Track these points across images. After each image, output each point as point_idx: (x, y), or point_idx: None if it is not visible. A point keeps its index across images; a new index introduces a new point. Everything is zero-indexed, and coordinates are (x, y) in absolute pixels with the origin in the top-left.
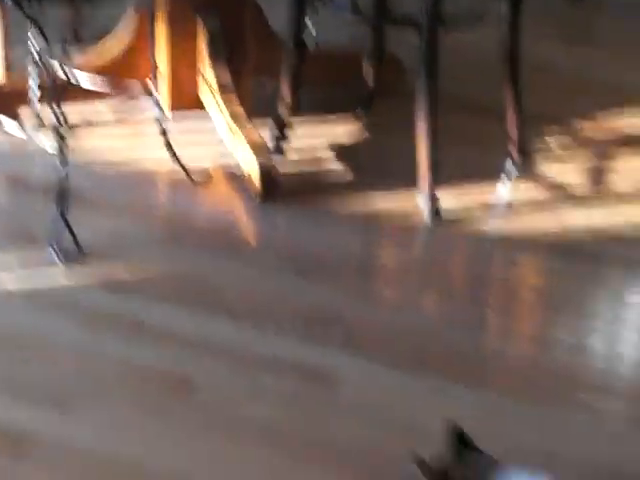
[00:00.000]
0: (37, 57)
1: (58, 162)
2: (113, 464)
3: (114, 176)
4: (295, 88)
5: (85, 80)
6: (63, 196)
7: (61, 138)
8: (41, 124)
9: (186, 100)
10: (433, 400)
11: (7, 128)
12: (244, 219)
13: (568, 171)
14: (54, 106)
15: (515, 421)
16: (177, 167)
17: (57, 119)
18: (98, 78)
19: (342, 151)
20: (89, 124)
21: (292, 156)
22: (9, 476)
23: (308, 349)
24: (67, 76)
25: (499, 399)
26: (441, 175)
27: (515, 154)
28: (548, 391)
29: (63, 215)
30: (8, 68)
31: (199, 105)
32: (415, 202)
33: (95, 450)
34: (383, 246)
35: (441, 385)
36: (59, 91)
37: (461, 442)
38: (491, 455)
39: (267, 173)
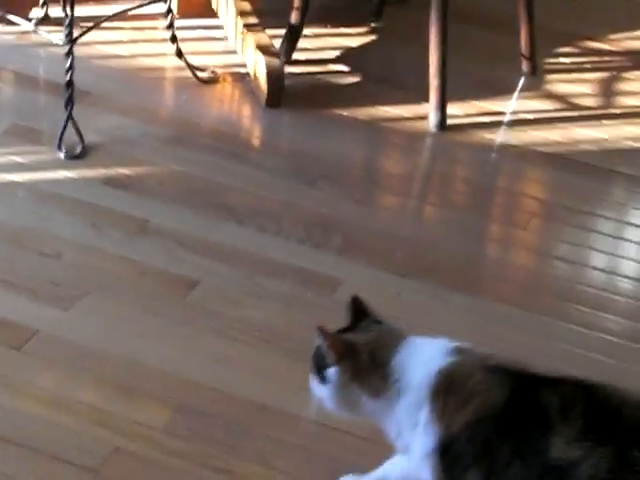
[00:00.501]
0: None
1: (65, 58)
2: (110, 359)
3: (121, 73)
4: None
5: None
6: (69, 92)
7: (69, 33)
8: (48, 19)
9: (195, 7)
10: (430, 305)
11: (14, 22)
12: (250, 122)
13: (578, 87)
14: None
15: (510, 328)
16: (184, 66)
17: (66, 14)
18: None
19: (351, 58)
20: (97, 21)
21: (300, 61)
22: (8, 366)
23: (308, 253)
24: None
25: (494, 305)
26: (450, 86)
27: (526, 68)
28: (544, 301)
29: (68, 111)
30: None
31: (208, 12)
32: (422, 111)
33: (93, 345)
34: (388, 153)
35: (438, 291)
36: None
37: (360, 312)
38: (394, 324)
39: (275, 77)
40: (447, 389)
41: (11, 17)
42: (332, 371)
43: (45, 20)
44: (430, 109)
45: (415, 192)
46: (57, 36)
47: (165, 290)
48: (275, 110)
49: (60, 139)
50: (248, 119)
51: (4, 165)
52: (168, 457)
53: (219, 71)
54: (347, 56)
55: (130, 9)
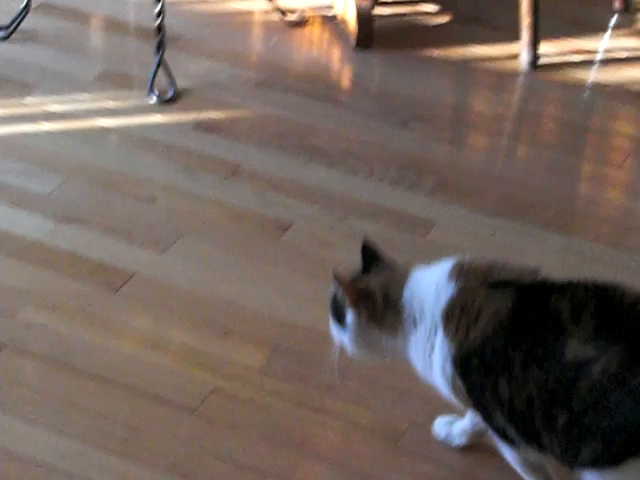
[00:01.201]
0: None
1: (155, 3)
2: (206, 301)
3: (210, 18)
4: None
5: None
6: (159, 37)
7: None
8: None
9: None
10: (524, 245)
11: None
12: (339, 64)
13: None
14: None
15: (606, 267)
16: (273, 9)
17: None
18: None
19: None
20: None
21: (389, 2)
22: (106, 308)
23: (401, 194)
24: None
25: (589, 245)
26: (541, 24)
27: (618, 5)
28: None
29: (159, 56)
30: None
31: None
32: (514, 50)
33: (189, 287)
34: (479, 93)
35: (532, 231)
36: None
37: (371, 256)
38: (403, 263)
39: (365, 18)
40: (457, 312)
41: None
42: (350, 316)
43: None
44: (522, 48)
45: (507, 132)
46: None
47: (258, 232)
48: (365, 52)
49: (151, 84)
50: (337, 61)
51: (97, 110)
52: (265, 397)
53: (308, 13)
54: None
55: None
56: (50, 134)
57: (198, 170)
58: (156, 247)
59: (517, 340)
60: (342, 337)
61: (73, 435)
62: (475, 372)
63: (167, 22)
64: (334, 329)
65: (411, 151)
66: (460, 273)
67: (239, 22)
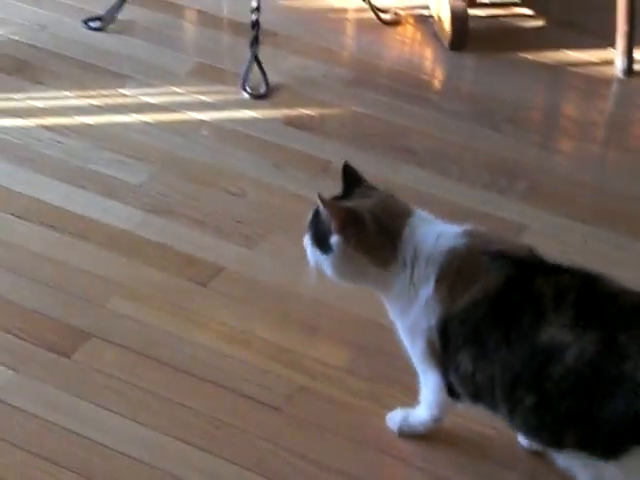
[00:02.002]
0: None
1: None
2: (293, 298)
3: (305, 14)
4: None
5: None
6: (254, 32)
7: None
8: None
9: None
10: (616, 253)
11: None
12: (432, 64)
13: None
14: None
15: None
16: (367, 8)
17: None
18: None
19: (536, 2)
20: None
21: (484, 4)
22: (194, 301)
23: (492, 198)
24: None
25: None
26: (637, 30)
27: None
28: None
29: (253, 51)
30: None
31: None
32: (608, 56)
33: (276, 283)
34: (572, 98)
35: (623, 240)
36: None
37: (352, 179)
38: (398, 197)
39: (459, 18)
40: (454, 271)
41: None
42: (335, 240)
43: None
44: (617, 54)
45: (600, 138)
46: None
47: None
48: (458, 53)
49: (245, 79)
50: (430, 61)
51: (190, 103)
52: (351, 397)
53: (402, 13)
54: None
55: None
56: (143, 125)
57: (288, 166)
58: (245, 242)
59: (495, 317)
60: (321, 262)
61: (156, 427)
62: (450, 337)
63: (262, 17)
64: (312, 254)
65: (502, 154)
66: (467, 234)
67: (333, 19)
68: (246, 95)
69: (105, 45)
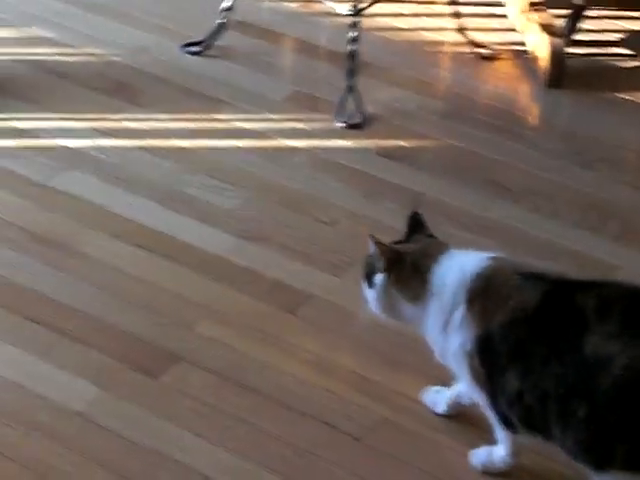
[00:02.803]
0: None
1: (350, 29)
2: (380, 329)
3: (401, 46)
4: None
5: None
6: (351, 63)
7: (356, 5)
8: None
9: None
10: None
11: None
12: (527, 100)
13: None
14: None
15: None
16: (464, 40)
17: None
18: None
19: (635, 42)
20: None
21: (582, 42)
22: (281, 328)
23: (584, 236)
24: None
25: None
26: None
27: None
28: None
29: (349, 81)
30: None
31: None
32: None
33: (363, 313)
34: None
35: None
36: None
37: (416, 226)
38: (442, 240)
39: (557, 57)
40: (484, 292)
41: None
42: (379, 277)
43: None
44: None
45: None
46: (342, 6)
47: None
48: (554, 90)
49: (340, 108)
50: (525, 97)
51: (284, 131)
52: (431, 431)
53: (499, 48)
54: (630, 40)
55: None
56: (238, 151)
57: (380, 197)
58: (334, 270)
59: (537, 332)
60: (369, 296)
61: (237, 451)
62: (492, 355)
63: (359, 47)
64: (364, 289)
65: (595, 193)
66: (493, 260)
67: (429, 52)
68: (341, 124)
69: (203, 70)
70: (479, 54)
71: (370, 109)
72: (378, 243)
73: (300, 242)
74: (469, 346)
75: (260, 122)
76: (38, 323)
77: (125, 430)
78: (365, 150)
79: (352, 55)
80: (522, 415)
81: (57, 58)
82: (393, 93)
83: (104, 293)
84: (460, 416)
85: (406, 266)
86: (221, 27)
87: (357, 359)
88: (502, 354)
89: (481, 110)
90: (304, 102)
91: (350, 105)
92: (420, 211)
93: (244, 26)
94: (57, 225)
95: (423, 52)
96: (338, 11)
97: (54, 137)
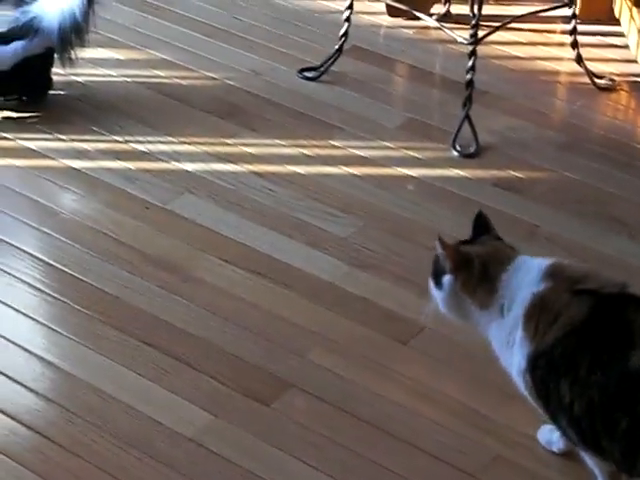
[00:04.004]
0: None
1: (467, 57)
2: (489, 362)
3: (517, 75)
4: None
5: None
6: (468, 91)
7: (474, 33)
8: (450, 15)
9: (598, 10)
10: None
11: (416, 16)
12: None
13: None
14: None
15: None
16: (581, 72)
17: (473, 13)
18: None
19: None
20: (498, 21)
21: None
22: (393, 359)
23: None
24: None
25: None
26: None
27: None
28: None
29: (466, 110)
30: None
31: (609, 18)
32: None
33: (473, 347)
34: None
35: None
36: None
37: (482, 227)
38: (508, 243)
39: None
40: (539, 311)
41: (414, 12)
42: (447, 278)
43: (446, 17)
44: None
45: None
46: (458, 34)
47: None
48: None
49: (455, 137)
50: None
51: (398, 158)
52: (547, 469)
53: (617, 79)
54: None
55: (536, 12)
56: (351, 177)
57: (495, 228)
58: None
59: (585, 345)
60: (437, 296)
61: None
62: (543, 372)
63: (475, 76)
64: (431, 288)
65: None
66: (553, 274)
67: (546, 82)
68: (455, 153)
69: (318, 95)
70: (597, 85)
71: (485, 138)
72: (445, 244)
73: (412, 271)
74: (526, 363)
75: (374, 149)
76: (152, 346)
77: (237, 457)
78: (479, 180)
79: (469, 83)
80: (576, 429)
81: (174, 81)
82: (508, 122)
83: (216, 318)
84: (574, 453)
85: (474, 270)
86: (337, 53)
87: (468, 392)
88: (555, 370)
89: (598, 142)
90: (418, 130)
91: (465, 134)
92: (484, 212)
93: (360, 52)
94: (171, 248)
95: (540, 81)
96: (456, 39)
97: (170, 160)
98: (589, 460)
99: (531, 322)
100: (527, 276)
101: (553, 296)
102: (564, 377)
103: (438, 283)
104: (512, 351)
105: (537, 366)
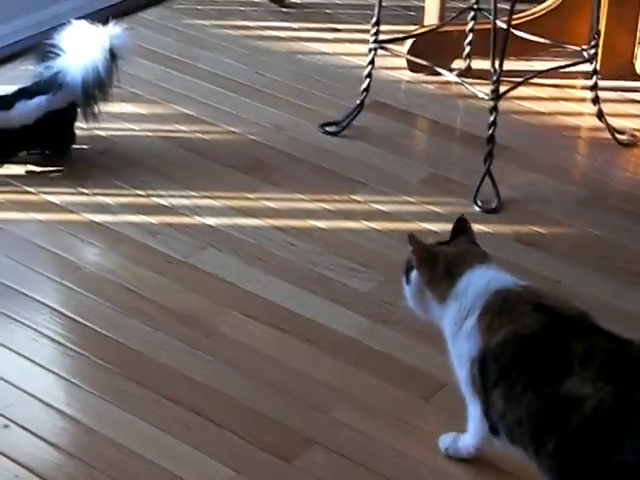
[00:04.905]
0: (474, 5)
1: (488, 112)
2: None
3: (538, 130)
4: None
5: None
6: (489, 147)
7: (496, 89)
8: (471, 71)
9: (620, 66)
10: None
11: (437, 72)
12: None
13: None
14: (494, 55)
15: None
16: (602, 127)
17: (494, 69)
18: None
19: None
20: (519, 76)
21: None
22: (417, 416)
23: None
24: (503, 27)
25: None
26: None
27: None
28: None
29: (487, 165)
30: (443, 12)
31: (630, 74)
32: None
33: None
34: None
35: None
36: (499, 40)
37: (461, 231)
38: (480, 248)
39: None
40: (497, 309)
41: (435, 67)
42: (414, 274)
43: (467, 72)
44: None
45: None
46: (479, 89)
47: None
48: None
49: (476, 192)
50: None
51: (420, 213)
52: None
53: (638, 135)
54: None
55: (557, 68)
56: (373, 233)
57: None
58: None
59: (524, 361)
60: (406, 291)
61: None
62: (485, 369)
63: (496, 131)
64: (403, 283)
65: None
66: (524, 286)
67: (567, 137)
68: (477, 208)
69: (339, 150)
70: (618, 140)
71: (506, 193)
72: (414, 240)
73: (433, 327)
74: (473, 355)
75: (395, 204)
76: (173, 401)
77: None
78: (501, 235)
79: (490, 139)
80: (506, 432)
81: (196, 135)
82: (530, 178)
83: (239, 373)
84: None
85: (438, 267)
86: (359, 108)
87: (491, 448)
88: (493, 372)
89: (619, 197)
90: (439, 185)
91: (486, 189)
92: (465, 217)
93: (381, 107)
94: (193, 302)
95: (560, 137)
96: (478, 94)
97: (192, 214)
98: (474, 426)
99: (486, 316)
100: (493, 277)
101: (516, 300)
102: (499, 386)
103: (408, 279)
104: (459, 337)
105: (481, 363)
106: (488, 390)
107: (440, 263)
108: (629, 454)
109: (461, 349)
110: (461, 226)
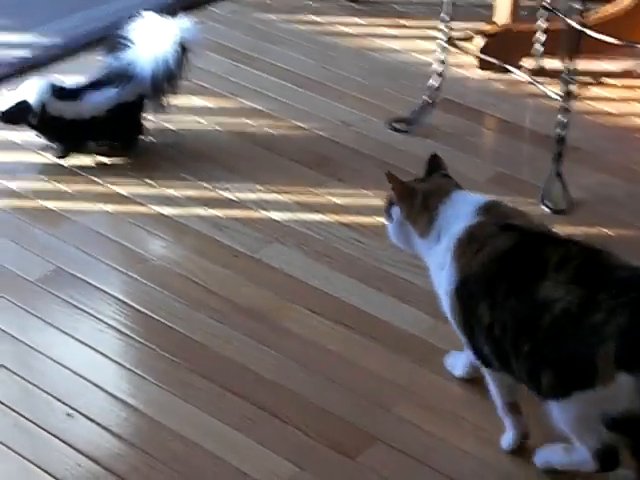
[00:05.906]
0: (547, 3)
1: (559, 112)
2: None
3: (609, 131)
4: None
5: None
6: (559, 147)
7: (567, 87)
8: (543, 70)
9: None
10: None
11: (508, 70)
12: None
13: None
14: (564, 54)
15: None
16: None
17: (567, 69)
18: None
19: None
20: (591, 76)
21: None
22: (475, 410)
23: None
24: (576, 27)
25: None
26: None
27: None
28: None
29: (556, 165)
30: (515, 11)
31: None
32: None
33: None
34: None
35: None
36: (571, 40)
37: (435, 166)
38: (451, 180)
39: None
40: (468, 241)
41: (505, 65)
42: (394, 209)
43: (540, 71)
44: None
45: None
46: (550, 88)
47: None
48: None
49: (545, 193)
50: None
51: None
52: None
53: None
54: None
55: (631, 70)
56: None
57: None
58: None
59: (504, 273)
60: (388, 227)
61: None
62: (467, 296)
63: (567, 131)
64: (386, 221)
65: None
66: (487, 209)
67: (639, 139)
68: (546, 209)
69: (406, 147)
70: None
71: (576, 194)
72: (392, 178)
73: None
74: (452, 288)
75: None
76: (238, 395)
77: None
78: (568, 236)
79: (561, 139)
80: (493, 349)
81: (264, 130)
82: (600, 179)
83: (303, 369)
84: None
85: (417, 202)
86: (427, 105)
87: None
88: (477, 292)
89: None
90: (508, 184)
91: (556, 190)
92: (438, 154)
93: (450, 105)
94: (259, 297)
95: (633, 139)
96: (549, 94)
97: (258, 208)
98: (492, 387)
99: (460, 250)
100: (463, 209)
101: (483, 228)
102: (484, 300)
103: (389, 216)
104: (443, 274)
105: (463, 289)
106: (473, 314)
107: (418, 197)
108: (579, 346)
109: (444, 284)
110: (435, 162)
